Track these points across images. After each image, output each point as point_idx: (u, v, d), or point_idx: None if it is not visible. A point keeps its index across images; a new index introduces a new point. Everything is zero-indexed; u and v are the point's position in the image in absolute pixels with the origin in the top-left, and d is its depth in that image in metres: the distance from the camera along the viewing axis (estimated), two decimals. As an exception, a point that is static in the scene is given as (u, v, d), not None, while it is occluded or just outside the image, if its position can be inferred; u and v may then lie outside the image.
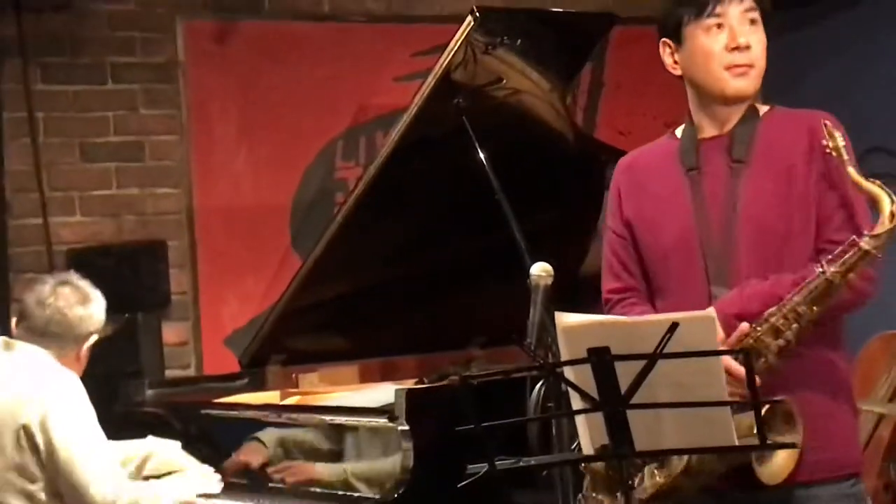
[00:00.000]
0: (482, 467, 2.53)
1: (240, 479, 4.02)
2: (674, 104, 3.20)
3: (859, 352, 5.06)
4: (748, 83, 2.93)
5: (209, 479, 4.00)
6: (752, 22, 2.93)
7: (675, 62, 2.99)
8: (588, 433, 2.60)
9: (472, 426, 2.49)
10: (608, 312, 3.03)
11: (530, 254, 3.63)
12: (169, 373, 5.41)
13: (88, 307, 3.94)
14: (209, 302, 5.63)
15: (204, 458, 4.08)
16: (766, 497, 2.83)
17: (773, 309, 2.78)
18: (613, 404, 2.49)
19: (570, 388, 2.57)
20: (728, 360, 2.69)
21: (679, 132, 3.05)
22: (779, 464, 2.77)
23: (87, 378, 3.94)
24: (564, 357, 2.58)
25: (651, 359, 2.46)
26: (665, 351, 2.45)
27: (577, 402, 2.59)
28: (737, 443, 2.58)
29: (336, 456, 3.81)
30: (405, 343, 4.59)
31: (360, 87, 5.82)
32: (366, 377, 4.65)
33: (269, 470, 3.94)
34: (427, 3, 5.95)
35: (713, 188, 2.94)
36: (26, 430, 3.75)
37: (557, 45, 4.27)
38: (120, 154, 5.53)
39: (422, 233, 4.38)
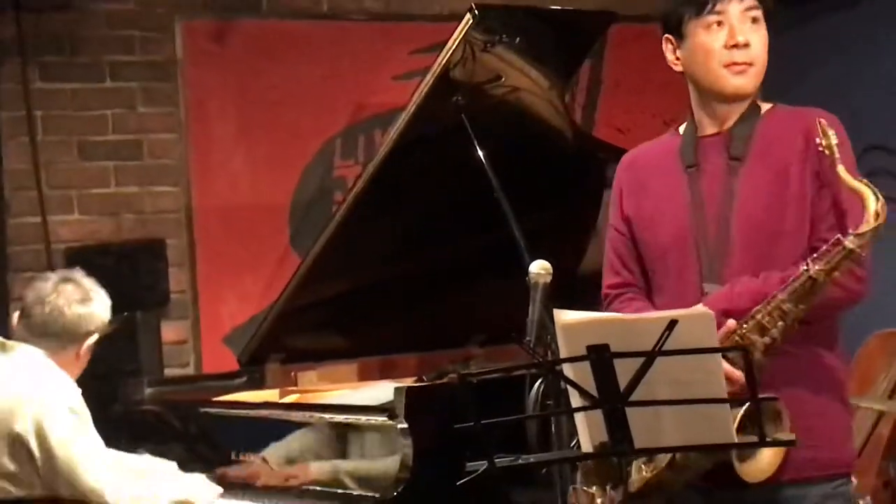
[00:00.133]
0: (481, 465, 2.53)
1: (239, 479, 4.02)
2: (672, 102, 3.20)
3: (857, 350, 5.07)
4: (747, 81, 2.94)
5: (208, 486, 3.96)
6: (754, 20, 2.94)
7: (677, 59, 3.00)
8: (587, 430, 2.60)
9: (472, 424, 2.50)
10: (606, 307, 3.05)
11: (529, 251, 3.63)
12: (168, 371, 5.41)
13: (88, 306, 3.88)
14: (208, 300, 5.63)
15: (203, 457, 4.08)
16: (753, 495, 2.83)
17: (759, 306, 2.78)
18: (612, 401, 2.49)
19: (569, 386, 2.57)
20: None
21: (682, 129, 3.06)
22: (762, 462, 2.77)
23: (85, 377, 3.91)
24: (563, 354, 2.58)
25: (650, 356, 2.46)
26: (664, 348, 2.45)
27: (576, 400, 2.59)
28: (736, 440, 2.58)
29: (335, 454, 3.80)
30: (404, 341, 4.59)
31: (358, 86, 5.82)
32: (365, 375, 4.65)
33: (269, 469, 3.93)
34: (425, 1, 5.94)
35: (711, 185, 2.94)
36: (19, 438, 3.69)
37: (556, 43, 4.27)
38: (119, 153, 5.53)
39: (421, 231, 4.37)
